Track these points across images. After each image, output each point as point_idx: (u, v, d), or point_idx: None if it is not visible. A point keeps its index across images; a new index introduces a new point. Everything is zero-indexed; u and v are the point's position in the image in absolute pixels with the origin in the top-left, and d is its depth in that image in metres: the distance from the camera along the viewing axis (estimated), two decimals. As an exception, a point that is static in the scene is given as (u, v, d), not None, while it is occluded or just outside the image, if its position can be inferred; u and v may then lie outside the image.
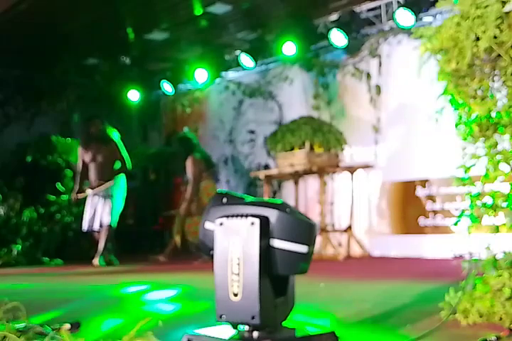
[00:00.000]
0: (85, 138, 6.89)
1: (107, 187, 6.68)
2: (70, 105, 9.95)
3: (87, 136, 6.88)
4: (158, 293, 3.99)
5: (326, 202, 7.70)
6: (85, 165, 6.87)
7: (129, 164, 6.89)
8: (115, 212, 6.74)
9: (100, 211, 6.69)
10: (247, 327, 1.68)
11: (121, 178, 6.83)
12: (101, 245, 6.66)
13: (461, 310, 2.25)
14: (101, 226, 6.70)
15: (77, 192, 6.81)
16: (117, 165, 6.83)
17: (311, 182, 8.11)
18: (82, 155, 6.90)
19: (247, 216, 1.67)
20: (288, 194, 8.41)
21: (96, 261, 6.58)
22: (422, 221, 6.97)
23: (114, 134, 6.92)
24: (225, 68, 9.09)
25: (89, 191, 6.75)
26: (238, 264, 1.65)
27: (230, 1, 7.52)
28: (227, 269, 1.67)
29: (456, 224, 2.37)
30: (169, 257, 7.11)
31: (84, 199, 6.83)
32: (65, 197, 7.74)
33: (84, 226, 6.79)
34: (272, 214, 1.67)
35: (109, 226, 6.72)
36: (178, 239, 7.07)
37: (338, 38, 7.44)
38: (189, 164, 6.85)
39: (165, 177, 8.89)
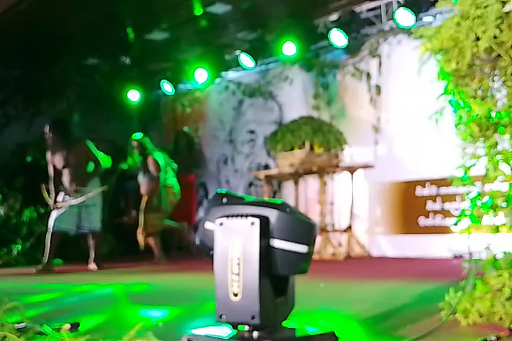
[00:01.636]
0: (50, 143, 6.55)
1: (88, 198, 6.43)
2: (70, 105, 9.93)
3: (51, 140, 6.54)
4: (158, 293, 3.99)
5: (326, 202, 7.70)
6: (57, 171, 6.56)
7: (104, 163, 6.81)
8: (99, 217, 6.63)
9: (83, 217, 6.47)
10: (247, 327, 1.68)
11: (96, 181, 6.65)
12: (93, 252, 6.58)
13: (461, 310, 2.25)
14: (81, 230, 6.50)
15: (55, 201, 6.47)
16: (91, 166, 6.57)
17: (311, 182, 8.11)
18: (51, 161, 6.58)
19: (247, 216, 1.67)
20: (288, 194, 8.41)
21: (92, 266, 6.53)
22: (422, 221, 6.97)
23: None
24: (225, 68, 9.09)
25: (70, 201, 6.41)
26: (238, 264, 1.65)
27: (230, 1, 7.52)
28: (227, 269, 1.67)
29: (456, 224, 2.37)
30: (164, 257, 7.11)
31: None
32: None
33: (51, 224, 6.39)
34: (272, 214, 1.67)
35: (98, 233, 6.62)
36: (141, 238, 7.07)
37: (338, 38, 7.44)
38: (150, 163, 6.98)
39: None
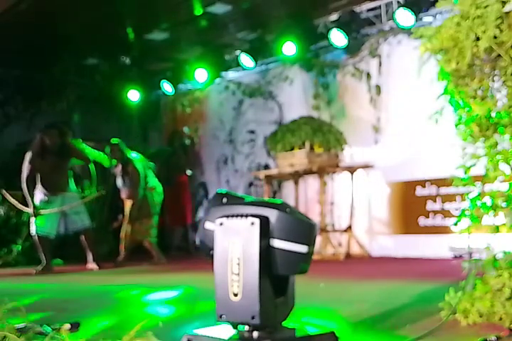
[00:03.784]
0: (41, 151, 6.36)
1: (71, 208, 6.40)
2: (70, 105, 9.94)
3: (41, 147, 6.36)
4: (158, 293, 3.99)
5: (326, 202, 7.70)
6: (33, 175, 6.37)
7: (105, 163, 6.81)
8: (87, 217, 6.61)
9: (72, 220, 6.45)
10: (247, 327, 1.68)
11: (73, 184, 6.63)
12: (89, 252, 6.57)
13: (461, 310, 2.25)
14: (71, 231, 6.53)
15: (34, 208, 6.30)
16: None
17: (311, 182, 8.11)
18: (33, 164, 6.35)
19: (247, 216, 1.67)
20: (288, 194, 8.41)
21: (92, 265, 6.54)
22: (422, 221, 6.96)
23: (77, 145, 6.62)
24: (225, 68, 9.09)
25: (51, 209, 6.33)
26: (238, 264, 1.65)
27: (230, 1, 7.51)
28: (227, 269, 1.67)
29: (456, 224, 2.37)
30: (163, 257, 7.11)
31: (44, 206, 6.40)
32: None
33: (33, 230, 6.35)
34: (272, 214, 1.67)
35: (90, 231, 6.60)
36: (123, 244, 7.02)
37: (338, 38, 7.44)
38: (130, 172, 6.92)
39: (165, 177, 8.91)
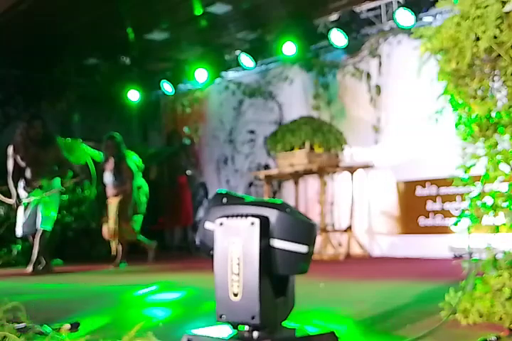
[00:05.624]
0: (24, 142, 6.26)
1: (51, 194, 6.23)
2: (70, 105, 9.94)
3: (25, 140, 6.26)
4: (158, 293, 4.00)
5: (326, 202, 7.70)
6: (18, 168, 6.27)
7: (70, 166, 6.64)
8: (51, 217, 6.29)
9: (38, 216, 6.25)
10: (247, 327, 1.68)
11: (57, 182, 6.41)
12: (35, 252, 6.15)
13: (461, 310, 2.25)
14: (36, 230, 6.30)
15: (18, 198, 6.22)
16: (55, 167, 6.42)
17: (311, 182, 8.11)
18: (14, 157, 6.27)
19: (247, 216, 1.67)
20: (288, 194, 8.41)
21: (30, 268, 6.14)
22: (422, 221, 6.96)
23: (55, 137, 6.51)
24: (225, 68, 9.09)
25: (30, 198, 6.21)
26: (238, 264, 1.65)
27: (230, 1, 7.52)
28: (227, 269, 1.67)
29: (456, 224, 2.37)
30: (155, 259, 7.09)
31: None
32: (64, 197, 7.57)
33: (20, 231, 6.27)
34: (272, 214, 1.67)
35: (44, 231, 6.26)
36: (115, 244, 6.88)
37: (338, 38, 7.44)
38: (124, 170, 6.77)
39: (166, 177, 8.91)
